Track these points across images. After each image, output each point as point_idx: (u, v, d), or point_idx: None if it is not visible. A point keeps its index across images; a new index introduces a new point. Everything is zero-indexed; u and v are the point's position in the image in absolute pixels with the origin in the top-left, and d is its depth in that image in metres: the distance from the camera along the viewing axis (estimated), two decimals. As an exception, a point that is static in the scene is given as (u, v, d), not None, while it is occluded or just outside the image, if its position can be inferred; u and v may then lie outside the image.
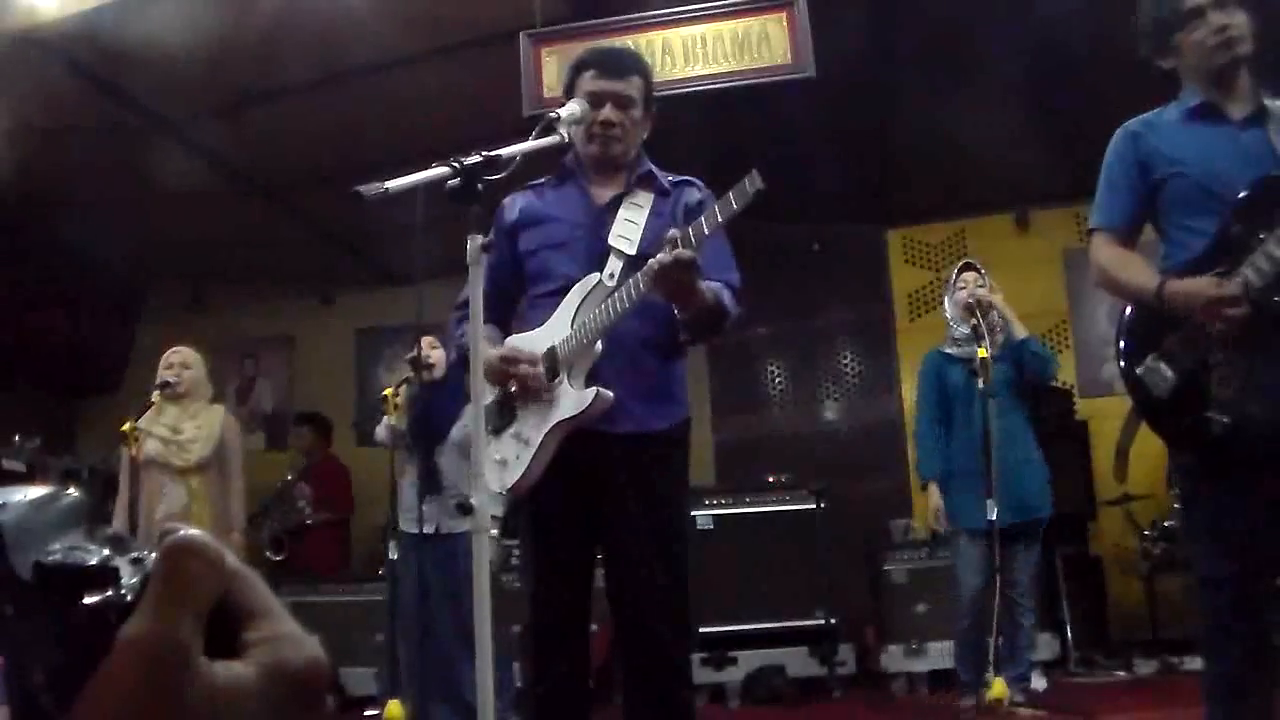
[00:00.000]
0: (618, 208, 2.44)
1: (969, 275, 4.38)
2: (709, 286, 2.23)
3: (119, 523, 4.09)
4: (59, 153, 5.36)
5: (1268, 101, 2.25)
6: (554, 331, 2.36)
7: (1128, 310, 2.31)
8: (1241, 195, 2.14)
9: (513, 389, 2.37)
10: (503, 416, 2.40)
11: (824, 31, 4.26)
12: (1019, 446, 4.20)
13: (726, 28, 4.33)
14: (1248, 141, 2.22)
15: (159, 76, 4.81)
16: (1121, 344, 2.29)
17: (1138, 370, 2.23)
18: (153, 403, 4.37)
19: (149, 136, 5.39)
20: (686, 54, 4.31)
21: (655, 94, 2.55)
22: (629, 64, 2.51)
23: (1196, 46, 2.25)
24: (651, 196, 2.46)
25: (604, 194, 2.48)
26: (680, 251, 2.07)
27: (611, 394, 2.26)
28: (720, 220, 2.11)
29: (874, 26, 4.87)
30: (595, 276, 2.35)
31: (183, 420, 4.19)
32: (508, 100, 4.34)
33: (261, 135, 5.53)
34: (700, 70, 4.30)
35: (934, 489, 4.28)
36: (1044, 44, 4.82)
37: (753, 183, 2.06)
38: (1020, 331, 4.30)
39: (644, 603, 2.30)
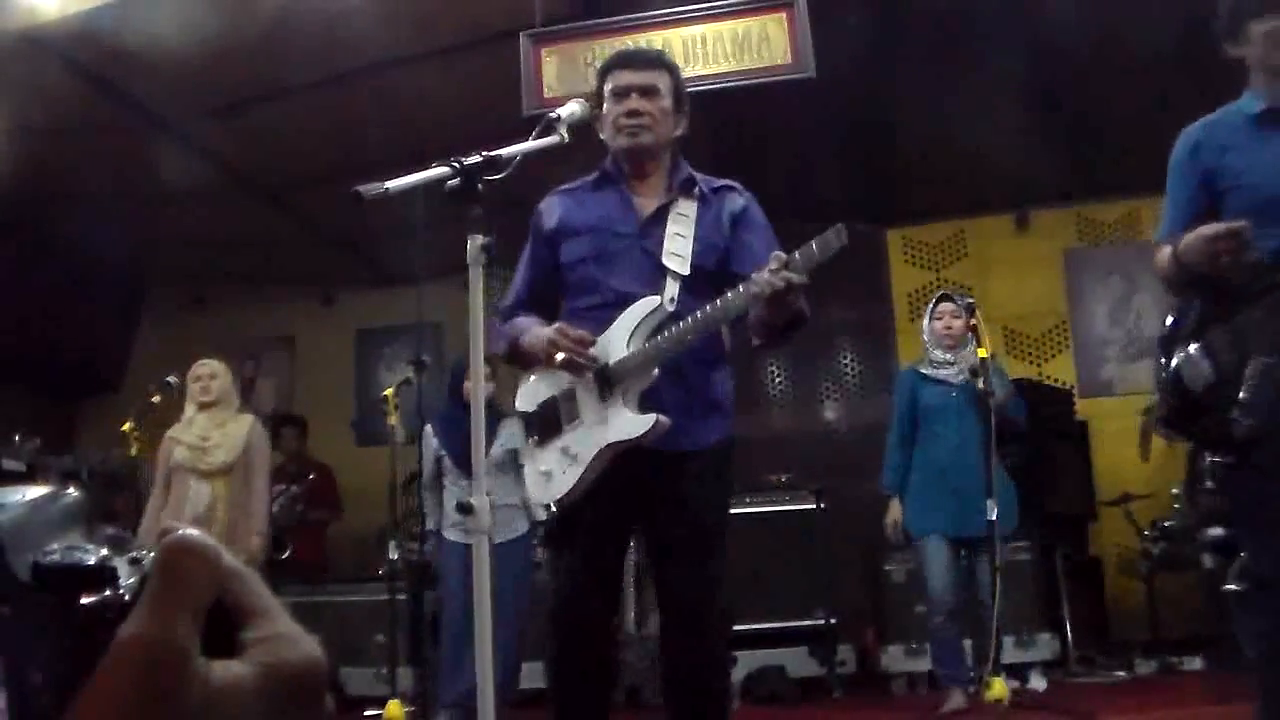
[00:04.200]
0: (664, 219, 2.42)
1: (945, 306, 4.56)
2: None
3: (148, 527, 4.31)
4: (59, 153, 5.36)
5: None
6: (608, 349, 2.34)
7: (1181, 298, 2.26)
8: None
9: (559, 360, 2.33)
10: (548, 427, 2.39)
11: (824, 31, 4.26)
12: (979, 465, 4.28)
13: (726, 28, 4.33)
14: None
15: (159, 76, 4.81)
16: (1167, 327, 2.24)
17: (1176, 357, 2.18)
18: (153, 402, 4.69)
19: (149, 136, 5.39)
20: (686, 54, 4.31)
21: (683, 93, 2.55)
22: (653, 59, 2.56)
23: (1265, 38, 2.19)
24: (694, 205, 2.44)
25: (647, 204, 2.45)
26: (792, 275, 2.10)
27: (669, 420, 2.25)
28: (803, 267, 2.13)
29: (874, 26, 4.87)
30: (655, 300, 2.33)
31: (211, 429, 4.45)
32: (508, 100, 4.33)
33: (261, 135, 5.53)
34: (700, 70, 4.30)
35: (895, 504, 4.55)
36: (1044, 44, 4.82)
37: (839, 237, 2.11)
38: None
39: (691, 595, 2.34)
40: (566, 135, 2.26)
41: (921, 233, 7.07)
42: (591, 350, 2.32)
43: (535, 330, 2.39)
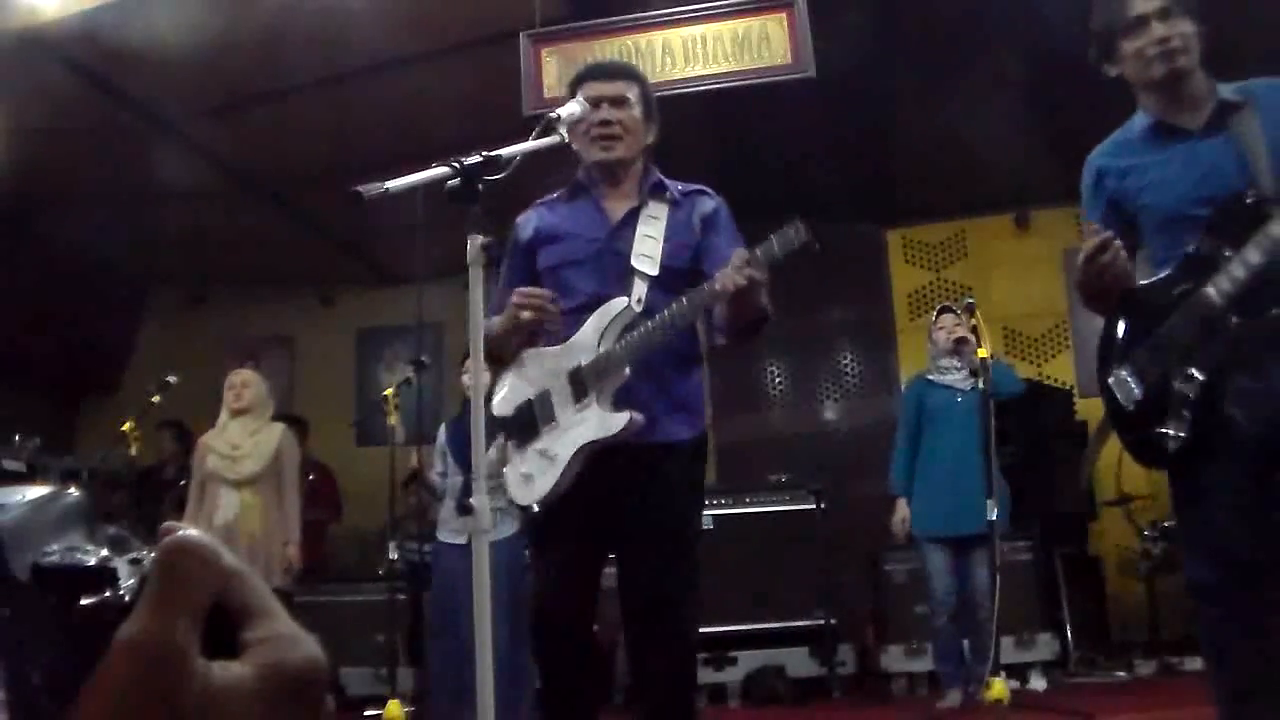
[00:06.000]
0: (634, 222, 2.47)
1: (947, 318, 4.72)
2: None
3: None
4: (59, 153, 5.36)
5: (1226, 96, 2.17)
6: (579, 350, 2.38)
7: (1106, 320, 2.30)
8: (1209, 215, 2.11)
9: (526, 318, 2.35)
10: (525, 431, 2.42)
11: (824, 31, 4.26)
12: (978, 465, 4.31)
13: (726, 28, 4.33)
14: (1208, 153, 2.16)
15: (159, 76, 4.81)
16: (1098, 353, 2.28)
17: (1109, 380, 2.22)
18: (153, 402, 4.78)
19: (149, 136, 5.39)
20: (686, 54, 4.31)
21: (656, 95, 2.60)
22: (622, 70, 2.63)
23: (1136, 56, 2.21)
24: (665, 209, 2.50)
25: (618, 207, 2.51)
26: (754, 272, 2.14)
27: (643, 417, 2.29)
28: (762, 261, 2.17)
29: (874, 26, 4.87)
30: (623, 301, 2.37)
31: (243, 437, 4.53)
32: (508, 100, 4.34)
33: (261, 135, 5.53)
34: (700, 70, 4.30)
35: (902, 503, 4.71)
36: (1044, 44, 4.81)
37: (799, 233, 2.14)
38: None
39: (658, 591, 2.34)
40: (566, 135, 2.27)
41: (921, 233, 7.07)
42: (552, 307, 2.35)
43: (493, 319, 2.42)
